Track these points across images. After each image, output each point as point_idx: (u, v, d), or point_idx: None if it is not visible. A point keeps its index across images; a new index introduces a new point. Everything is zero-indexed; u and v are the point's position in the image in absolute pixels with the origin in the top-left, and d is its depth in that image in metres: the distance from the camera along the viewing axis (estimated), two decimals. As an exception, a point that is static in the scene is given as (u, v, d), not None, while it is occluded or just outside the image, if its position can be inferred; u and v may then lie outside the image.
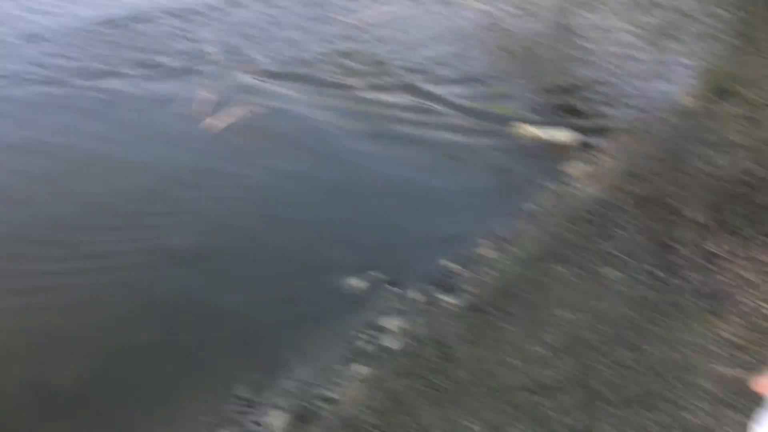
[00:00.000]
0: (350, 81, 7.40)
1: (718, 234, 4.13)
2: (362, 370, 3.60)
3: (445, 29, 8.54)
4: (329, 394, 3.52)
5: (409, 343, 3.65)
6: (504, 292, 3.91)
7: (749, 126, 5.08)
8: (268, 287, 4.50)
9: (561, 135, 6.31)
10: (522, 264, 4.18)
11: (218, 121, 6.57)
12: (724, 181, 4.61)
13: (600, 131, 6.26)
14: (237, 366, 3.85)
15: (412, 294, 4.36)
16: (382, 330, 4.04)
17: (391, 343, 3.81)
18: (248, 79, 7.53)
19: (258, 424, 3.45)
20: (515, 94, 7.14)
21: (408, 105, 6.96)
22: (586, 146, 6.13)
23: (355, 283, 4.49)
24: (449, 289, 4.33)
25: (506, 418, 3.08)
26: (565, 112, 6.80)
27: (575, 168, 5.69)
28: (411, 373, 3.37)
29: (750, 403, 2.81)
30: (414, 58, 7.92)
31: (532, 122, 6.48)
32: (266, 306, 4.32)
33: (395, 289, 4.44)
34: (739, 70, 5.24)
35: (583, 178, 5.45)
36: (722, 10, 5.57)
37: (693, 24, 5.92)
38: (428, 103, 6.96)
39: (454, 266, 4.61)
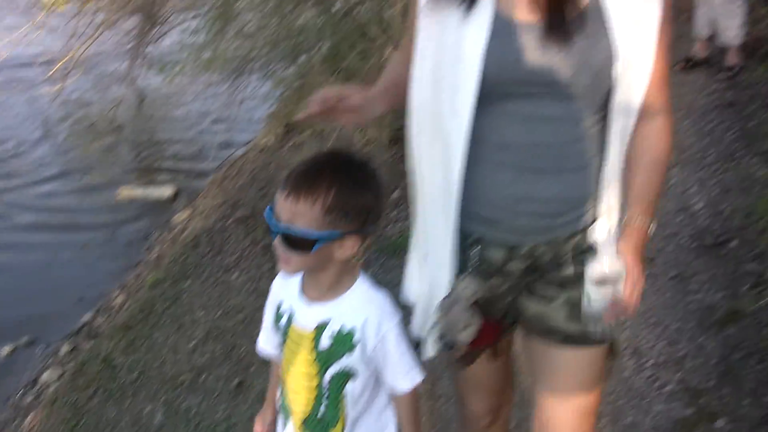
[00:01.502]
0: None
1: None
2: (30, 414, 3.95)
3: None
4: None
5: (75, 369, 4.08)
6: (147, 312, 4.49)
7: (317, 146, 6.07)
8: None
9: (161, 191, 7.01)
10: (155, 289, 4.78)
11: None
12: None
13: (196, 178, 7.12)
14: None
15: (60, 348, 4.76)
16: (39, 384, 4.40)
17: (52, 389, 4.18)
18: None
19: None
20: (111, 165, 7.73)
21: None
22: (185, 194, 6.94)
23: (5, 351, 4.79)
24: (94, 335, 4.81)
25: (178, 396, 3.67)
26: (160, 171, 7.56)
27: (180, 214, 6.42)
28: (84, 387, 3.82)
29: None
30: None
31: (132, 185, 7.13)
32: None
33: (43, 349, 4.83)
34: (303, 107, 6.24)
35: (188, 220, 6.19)
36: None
37: (257, 78, 6.90)
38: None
39: (92, 316, 5.09)
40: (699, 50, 6.63)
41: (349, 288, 1.77)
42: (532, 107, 1.65)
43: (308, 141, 5.99)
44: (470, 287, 1.76)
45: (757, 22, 6.94)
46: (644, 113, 1.69)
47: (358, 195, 1.65)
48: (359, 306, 1.76)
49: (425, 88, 1.72)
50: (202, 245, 5.27)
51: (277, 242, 1.66)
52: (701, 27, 6.50)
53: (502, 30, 1.60)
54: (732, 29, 6.24)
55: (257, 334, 3.94)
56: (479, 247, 1.79)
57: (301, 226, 1.61)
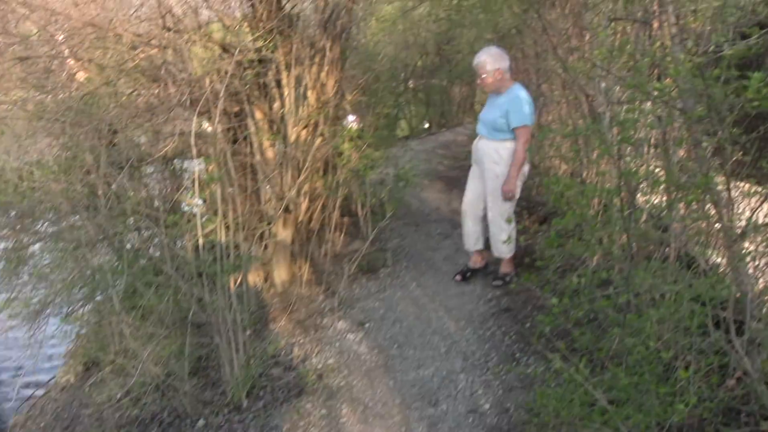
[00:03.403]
0: None
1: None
2: None
3: None
4: None
5: None
6: None
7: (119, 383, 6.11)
8: None
9: (-44, 439, 6.74)
10: None
11: None
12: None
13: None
14: None
15: None
16: None
17: None
18: None
19: None
20: None
21: None
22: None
23: None
24: None
25: None
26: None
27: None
28: None
29: None
30: None
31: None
32: None
33: None
34: (101, 344, 6.29)
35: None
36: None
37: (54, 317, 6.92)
38: None
39: None
40: (475, 261, 7.37)
41: None
42: None
43: (109, 378, 6.04)
44: None
45: (524, 233, 7.82)
46: None
47: None
48: None
49: None
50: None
51: None
52: (474, 241, 7.25)
53: None
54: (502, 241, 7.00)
55: None
56: None
57: None
